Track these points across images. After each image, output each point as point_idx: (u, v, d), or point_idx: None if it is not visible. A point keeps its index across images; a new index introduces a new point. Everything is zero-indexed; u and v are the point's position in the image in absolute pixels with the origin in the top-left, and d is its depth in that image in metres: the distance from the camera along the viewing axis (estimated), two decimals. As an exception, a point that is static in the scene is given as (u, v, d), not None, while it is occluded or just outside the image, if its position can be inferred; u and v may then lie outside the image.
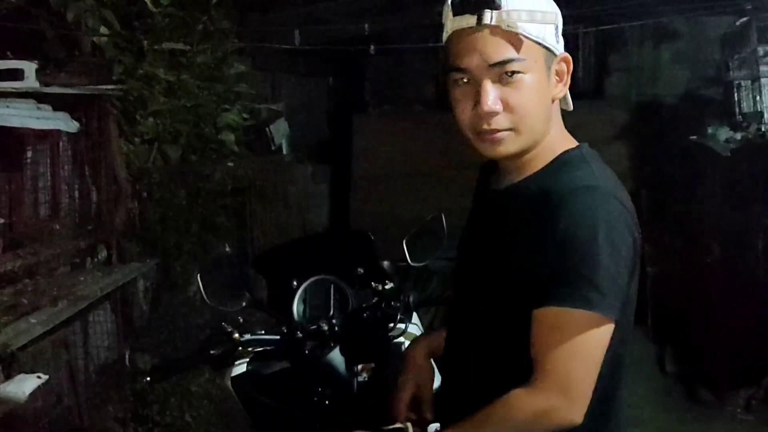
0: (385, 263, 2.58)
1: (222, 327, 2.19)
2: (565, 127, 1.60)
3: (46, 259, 3.68)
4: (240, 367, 2.26)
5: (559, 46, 1.51)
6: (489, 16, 1.45)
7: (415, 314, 2.29)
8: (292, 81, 7.09)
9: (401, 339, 2.21)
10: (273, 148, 6.25)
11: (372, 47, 5.50)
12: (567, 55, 1.53)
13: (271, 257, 2.64)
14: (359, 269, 2.36)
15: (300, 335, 2.18)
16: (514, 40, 1.45)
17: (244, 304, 2.35)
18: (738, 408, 4.41)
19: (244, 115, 5.09)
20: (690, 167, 5.25)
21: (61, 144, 3.72)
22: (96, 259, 4.06)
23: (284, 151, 6.57)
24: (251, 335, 2.19)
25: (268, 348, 2.22)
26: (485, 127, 1.49)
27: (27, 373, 2.70)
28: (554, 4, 1.52)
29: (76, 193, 4.00)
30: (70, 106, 3.70)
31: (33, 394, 2.65)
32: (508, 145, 1.50)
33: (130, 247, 4.17)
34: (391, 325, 2.17)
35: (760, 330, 4.13)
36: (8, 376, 2.79)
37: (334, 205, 7.33)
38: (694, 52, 6.66)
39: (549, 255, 1.40)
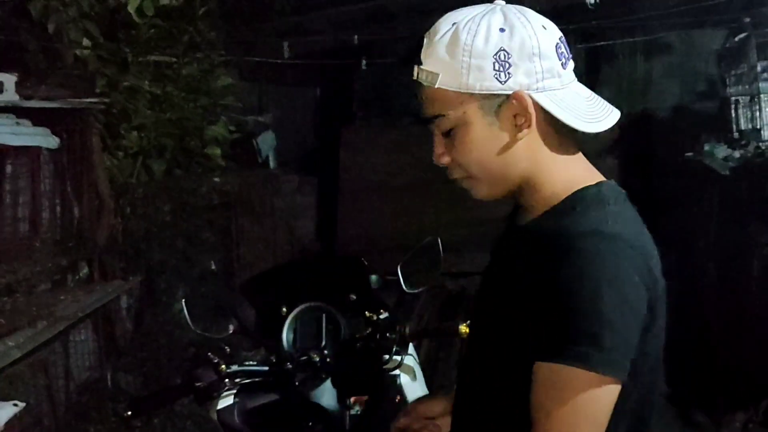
0: (373, 277, 2.50)
1: (208, 358, 2.08)
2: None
3: (25, 277, 3.56)
4: (227, 399, 2.15)
5: (510, 84, 1.31)
6: (415, 72, 1.36)
7: (411, 345, 2.20)
8: (279, 92, 7.00)
9: (396, 371, 2.11)
10: (260, 160, 6.15)
11: (363, 62, 5.40)
12: (520, 93, 1.31)
13: (260, 281, 2.53)
14: (351, 295, 2.26)
15: (289, 366, 2.08)
16: (435, 95, 1.34)
17: (231, 330, 2.26)
18: (734, 432, 4.33)
19: (231, 128, 4.98)
20: (685, 185, 5.17)
21: (41, 158, 3.60)
22: (78, 277, 3.94)
23: (271, 164, 6.47)
24: (238, 366, 2.08)
25: (256, 379, 2.12)
26: (450, 174, 1.42)
27: (3, 400, 2.57)
28: (496, 37, 1.31)
29: (57, 209, 3.88)
30: (51, 119, 3.58)
31: (9, 423, 2.53)
32: (478, 191, 1.41)
33: (113, 264, 4.05)
34: (386, 357, 2.07)
35: (757, 351, 4.05)
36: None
37: (322, 217, 7.23)
38: (688, 67, 6.56)
39: (549, 304, 1.28)
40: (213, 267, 4.37)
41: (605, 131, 1.38)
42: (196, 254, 4.48)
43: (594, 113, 1.39)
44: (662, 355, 1.44)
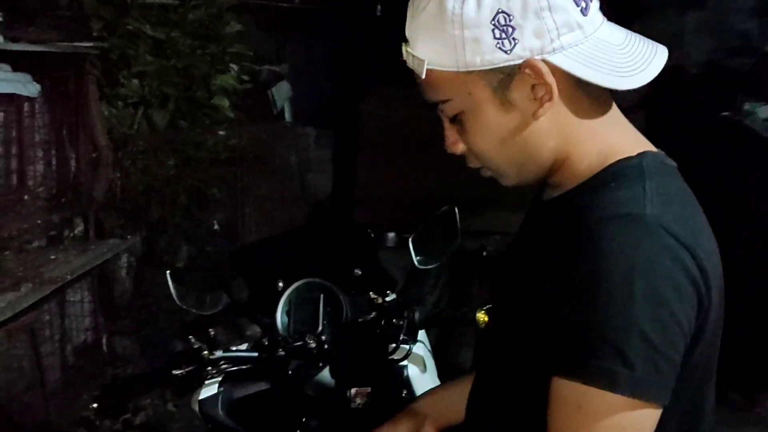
0: (390, 235, 2.29)
1: (188, 342, 1.83)
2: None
3: (15, 234, 3.32)
4: (210, 388, 1.89)
5: (518, 51, 1.04)
6: (405, 55, 1.13)
7: (422, 332, 1.93)
8: (296, 41, 6.67)
9: (404, 362, 1.84)
10: (274, 112, 5.87)
11: (378, 8, 5.07)
12: (532, 60, 1.04)
13: (256, 252, 2.28)
14: (357, 270, 1.99)
15: (282, 353, 1.82)
16: (432, 78, 1.09)
17: (220, 307, 2.00)
18: (768, 411, 4.06)
19: (244, 77, 4.68)
20: (720, 148, 4.81)
21: (33, 107, 3.34)
22: (72, 234, 3.70)
23: (286, 116, 6.19)
24: (223, 352, 1.82)
25: (244, 367, 1.86)
26: (467, 162, 1.19)
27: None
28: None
29: (52, 162, 3.63)
30: (41, 65, 3.31)
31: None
32: (505, 180, 1.17)
33: (110, 221, 3.80)
34: (393, 345, 1.81)
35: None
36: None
37: (339, 172, 6.94)
38: (721, 21, 6.19)
39: (570, 305, 1.02)
40: (216, 227, 4.10)
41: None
42: (200, 212, 4.22)
43: (632, 62, 1.09)
44: (716, 362, 1.16)
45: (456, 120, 1.12)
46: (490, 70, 1.05)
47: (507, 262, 1.31)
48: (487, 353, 1.34)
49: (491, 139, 1.10)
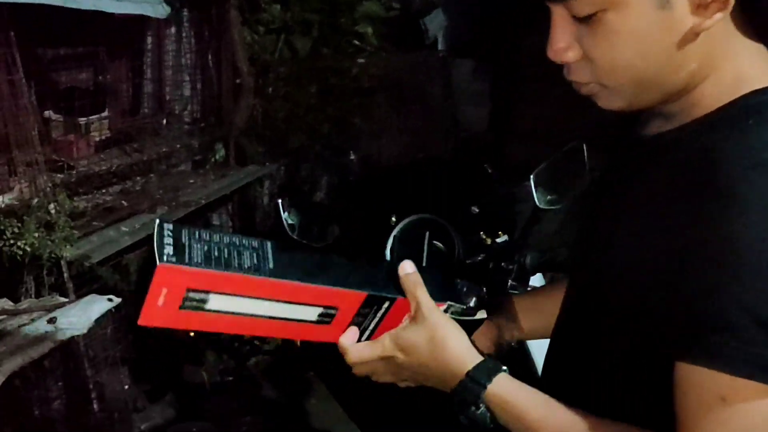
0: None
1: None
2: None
3: (157, 158, 3.37)
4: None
5: None
6: None
7: (539, 276, 1.77)
8: (454, -32, 6.42)
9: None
10: (427, 42, 5.69)
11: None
12: None
13: (371, 185, 2.17)
14: (474, 208, 1.85)
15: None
16: None
17: (329, 240, 1.91)
18: None
19: (394, 5, 4.54)
20: None
21: (176, 31, 3.35)
22: (214, 159, 3.73)
23: (440, 46, 5.99)
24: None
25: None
26: (565, 74, 0.96)
27: (106, 293, 2.37)
28: None
29: (195, 87, 3.65)
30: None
31: (102, 319, 2.33)
32: (611, 101, 0.95)
33: (251, 148, 3.79)
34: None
35: None
36: (83, 294, 2.49)
37: (495, 106, 6.71)
38: None
39: (698, 270, 0.83)
40: (352, 157, 4.03)
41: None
42: (342, 142, 4.15)
43: None
44: None
45: (587, 20, 0.90)
46: None
47: (593, 205, 1.13)
48: (569, 308, 1.17)
49: (632, 48, 0.89)
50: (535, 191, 1.82)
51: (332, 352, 1.24)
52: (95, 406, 2.66)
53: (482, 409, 1.04)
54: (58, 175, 2.84)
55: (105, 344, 2.55)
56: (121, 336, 2.72)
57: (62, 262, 2.50)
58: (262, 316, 1.07)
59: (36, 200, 2.47)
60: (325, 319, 1.11)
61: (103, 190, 3.10)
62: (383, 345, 1.12)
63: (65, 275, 2.51)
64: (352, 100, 4.18)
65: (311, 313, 1.10)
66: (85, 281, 2.61)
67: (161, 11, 2.93)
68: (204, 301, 1.01)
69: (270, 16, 3.75)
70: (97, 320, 2.31)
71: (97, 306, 2.35)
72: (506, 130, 6.53)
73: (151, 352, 3.07)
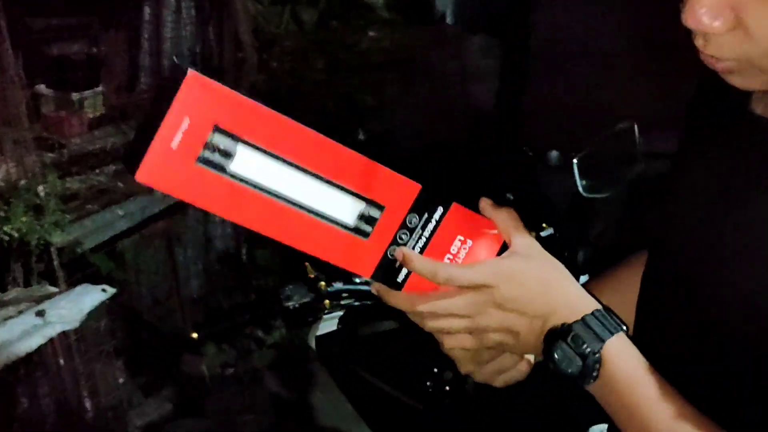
0: (553, 154, 1.96)
1: (305, 268, 1.55)
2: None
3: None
4: (329, 324, 1.63)
5: None
6: None
7: (585, 277, 1.57)
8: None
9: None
10: (435, 16, 5.48)
11: None
12: None
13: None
14: (509, 195, 1.66)
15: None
16: None
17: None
18: None
19: (403, -24, 4.33)
20: None
21: (174, 1, 3.13)
22: (214, 138, 3.52)
23: (448, 21, 5.78)
24: (344, 284, 1.54)
25: (368, 302, 1.57)
26: (700, 44, 0.74)
27: (101, 282, 2.19)
28: None
29: (194, 61, 3.43)
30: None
31: (96, 311, 2.14)
32: (748, 81, 0.75)
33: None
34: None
35: None
36: (74, 283, 2.29)
37: (505, 84, 6.49)
38: None
39: None
40: (361, 136, 3.82)
41: None
42: (350, 120, 3.94)
43: None
44: None
45: None
46: None
47: (690, 195, 0.93)
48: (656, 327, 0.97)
49: None
50: (579, 178, 1.62)
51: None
52: (87, 403, 2.47)
53: (597, 356, 0.85)
54: (49, 154, 2.65)
55: (98, 338, 2.35)
56: (117, 328, 2.53)
57: (52, 249, 2.31)
58: (288, 201, 0.83)
59: (24, 182, 2.27)
60: (363, 226, 0.88)
61: (97, 171, 2.90)
62: (480, 270, 0.90)
63: (55, 263, 2.31)
64: (361, 76, 3.97)
65: (350, 211, 0.87)
66: (77, 269, 2.42)
67: (160, -24, 2.72)
68: (228, 155, 0.78)
69: (275, -14, 3.54)
70: (90, 313, 2.12)
71: (89, 297, 2.16)
72: (518, 108, 6.33)
73: (147, 343, 2.89)
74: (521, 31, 6.41)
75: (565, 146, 1.83)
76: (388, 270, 0.92)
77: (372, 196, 0.87)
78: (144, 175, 0.77)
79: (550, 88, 6.05)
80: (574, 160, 1.62)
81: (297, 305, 1.50)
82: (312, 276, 1.51)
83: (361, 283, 1.58)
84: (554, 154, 2.01)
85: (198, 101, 0.75)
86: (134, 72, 3.15)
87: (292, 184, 0.83)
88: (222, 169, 0.78)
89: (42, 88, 2.94)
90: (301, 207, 0.84)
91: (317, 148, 0.83)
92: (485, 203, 0.95)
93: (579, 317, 0.86)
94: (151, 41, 3.23)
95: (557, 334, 0.86)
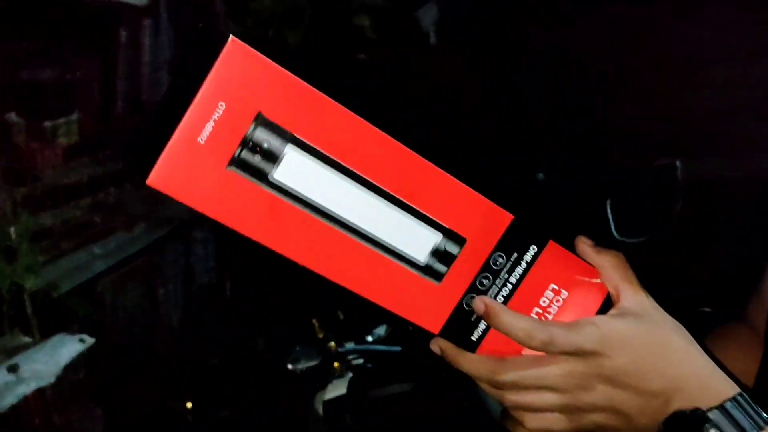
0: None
1: (312, 327, 1.39)
2: None
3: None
4: (337, 388, 1.46)
5: None
6: None
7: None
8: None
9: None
10: (420, 36, 5.36)
11: None
12: None
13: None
14: (539, 174, 1.53)
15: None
16: None
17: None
18: None
19: (390, -5, 4.20)
20: None
21: (154, 24, 2.97)
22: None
23: (432, 39, 5.67)
24: (355, 344, 1.38)
25: (385, 365, 1.41)
26: None
27: (69, 333, 2.00)
28: None
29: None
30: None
31: (73, 364, 1.96)
32: None
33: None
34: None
35: None
36: (49, 334, 2.11)
37: (488, 101, 6.38)
38: None
39: None
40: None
41: None
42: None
43: None
44: None
45: None
46: None
47: None
48: None
49: None
50: (613, 220, 1.48)
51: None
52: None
53: None
54: (21, 189, 2.46)
55: (76, 391, 2.17)
56: (98, 379, 2.34)
57: (25, 295, 2.12)
58: (344, 225, 0.65)
59: (-7, 222, 2.09)
60: (437, 266, 0.70)
61: (72, 204, 2.71)
62: (588, 332, 0.71)
63: (29, 310, 2.12)
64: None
65: (423, 245, 0.68)
66: (53, 315, 2.23)
67: (140, -2, 2.56)
68: (272, 158, 0.59)
69: (258, 6, 3.38)
70: (67, 366, 1.94)
71: (66, 349, 1.98)
72: (503, 127, 6.20)
73: (131, 387, 2.69)
74: (506, 51, 6.31)
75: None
76: (461, 324, 0.73)
77: (453, 226, 0.69)
78: (159, 178, 0.60)
79: (537, 107, 5.95)
80: (608, 203, 1.48)
81: (304, 369, 1.33)
82: (321, 336, 1.35)
83: (373, 342, 1.42)
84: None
85: (238, 80, 0.57)
86: (111, 97, 2.97)
87: (353, 203, 0.65)
88: (262, 176, 0.62)
89: (12, 116, 2.76)
90: (359, 235, 0.66)
91: (391, 157, 0.65)
92: (585, 244, 0.77)
93: (716, 402, 0.69)
94: (129, 65, 3.06)
95: (686, 421, 0.68)
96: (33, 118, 2.76)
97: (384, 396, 1.51)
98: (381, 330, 1.49)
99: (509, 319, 0.71)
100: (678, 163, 1.43)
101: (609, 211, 1.46)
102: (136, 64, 2.96)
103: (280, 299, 2.87)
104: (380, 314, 1.71)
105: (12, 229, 2.09)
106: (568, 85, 5.56)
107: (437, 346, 0.76)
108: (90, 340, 1.99)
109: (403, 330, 1.43)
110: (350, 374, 1.46)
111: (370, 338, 1.44)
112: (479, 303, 0.72)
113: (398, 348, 1.39)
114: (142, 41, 3.03)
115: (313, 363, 1.37)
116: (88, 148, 2.84)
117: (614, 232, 1.46)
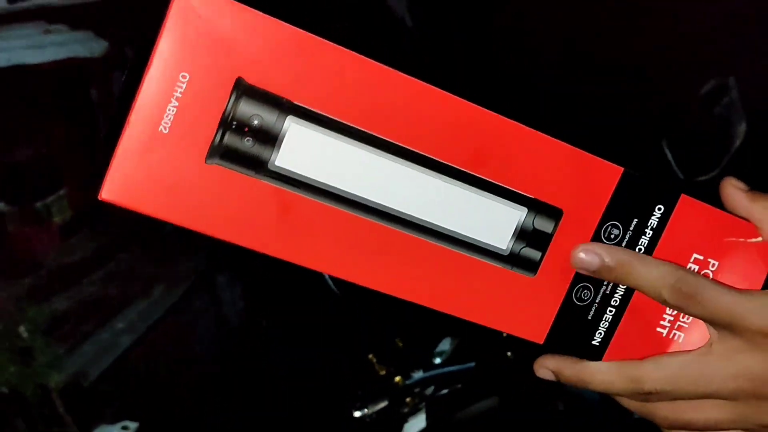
0: None
1: (370, 364, 1.21)
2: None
3: (129, 227, 2.83)
4: (415, 424, 1.28)
5: None
6: None
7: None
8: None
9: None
10: (395, 22, 5.19)
11: None
12: None
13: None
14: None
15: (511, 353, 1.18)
16: None
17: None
18: None
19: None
20: None
21: (110, 73, 2.81)
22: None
23: (408, 23, 5.53)
24: (424, 372, 1.20)
25: (458, 386, 1.23)
26: None
27: (109, 423, 1.84)
28: None
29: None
30: (107, 19, 2.75)
31: (121, 456, 1.79)
32: None
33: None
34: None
35: None
36: (89, 429, 1.94)
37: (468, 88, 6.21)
38: None
39: None
40: None
41: None
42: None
43: None
44: None
45: None
46: None
47: None
48: None
49: None
50: (674, 160, 1.29)
51: None
52: None
53: None
54: (25, 280, 2.30)
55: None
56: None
57: (53, 394, 1.96)
58: (383, 212, 0.44)
59: (0, 326, 1.92)
60: (527, 252, 0.50)
61: (83, 281, 2.55)
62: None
63: (60, 409, 1.96)
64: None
65: (501, 225, 0.48)
66: (87, 406, 2.07)
67: (96, 48, 2.37)
68: (269, 136, 0.39)
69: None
70: (116, 460, 1.78)
71: (110, 442, 1.82)
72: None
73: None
74: (479, 38, 6.13)
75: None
76: (573, 326, 0.55)
77: (540, 195, 0.51)
78: (115, 188, 0.46)
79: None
80: (663, 142, 1.29)
81: (373, 414, 1.15)
82: (383, 372, 1.17)
83: (441, 365, 1.24)
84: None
85: (200, 38, 0.41)
86: (96, 162, 2.82)
87: (391, 183, 0.46)
88: (258, 165, 0.43)
89: (2, 205, 2.62)
90: (409, 225, 0.47)
91: (433, 113, 0.47)
92: (736, 187, 0.57)
93: None
94: (107, 124, 2.91)
95: None
96: (21, 201, 2.61)
97: (470, 417, 1.33)
98: (446, 344, 1.31)
99: (649, 268, 0.50)
100: (732, 80, 1.24)
101: (667, 150, 1.28)
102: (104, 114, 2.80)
103: (323, 334, 2.69)
104: (442, 327, 1.51)
105: (22, 328, 1.93)
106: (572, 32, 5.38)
107: (545, 369, 0.57)
108: (133, 426, 1.83)
109: (472, 338, 1.25)
110: (425, 405, 1.29)
111: (438, 359, 1.26)
112: (592, 254, 0.51)
113: (472, 364, 1.21)
114: (115, 96, 2.88)
115: (382, 405, 1.19)
116: (84, 220, 2.68)
117: (678, 173, 1.28)
